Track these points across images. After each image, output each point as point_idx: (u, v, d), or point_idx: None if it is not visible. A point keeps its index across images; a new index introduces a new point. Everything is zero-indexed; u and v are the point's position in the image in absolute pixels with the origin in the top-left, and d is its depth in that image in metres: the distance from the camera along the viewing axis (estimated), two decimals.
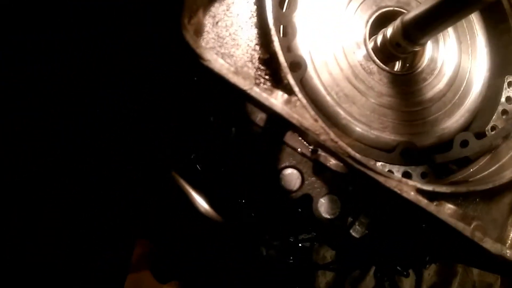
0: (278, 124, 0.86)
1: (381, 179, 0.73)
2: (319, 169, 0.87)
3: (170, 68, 0.86)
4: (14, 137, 1.28)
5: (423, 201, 0.73)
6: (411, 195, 0.73)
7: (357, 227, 0.88)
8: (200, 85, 0.82)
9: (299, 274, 1.24)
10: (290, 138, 0.88)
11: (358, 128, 0.88)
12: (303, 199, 0.87)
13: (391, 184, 0.73)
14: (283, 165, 0.87)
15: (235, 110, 0.86)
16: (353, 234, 0.88)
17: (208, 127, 0.90)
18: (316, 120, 0.72)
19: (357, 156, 0.73)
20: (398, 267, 0.97)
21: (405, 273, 0.97)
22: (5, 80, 1.25)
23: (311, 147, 0.89)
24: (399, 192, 0.73)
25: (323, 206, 0.87)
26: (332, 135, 0.72)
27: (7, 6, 1.20)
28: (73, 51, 1.24)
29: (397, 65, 1.05)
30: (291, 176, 0.87)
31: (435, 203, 0.75)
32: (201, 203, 0.83)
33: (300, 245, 1.12)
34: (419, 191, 0.74)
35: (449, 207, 0.75)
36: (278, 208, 0.93)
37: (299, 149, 0.88)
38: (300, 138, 0.89)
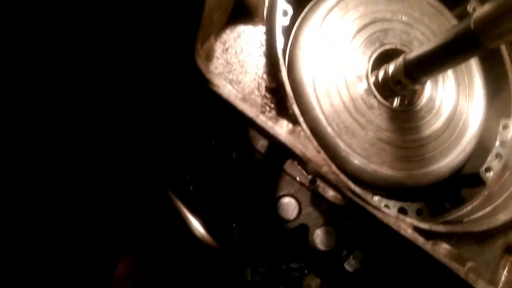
0: (279, 152, 0.86)
1: (379, 214, 0.73)
2: (317, 200, 0.87)
3: (172, 77, 0.85)
4: (14, 137, 1.26)
5: (419, 240, 0.73)
6: (408, 232, 0.74)
7: (352, 261, 0.88)
8: (205, 109, 0.83)
9: None
10: (290, 166, 0.89)
11: (357, 161, 0.89)
12: (299, 228, 0.87)
13: (388, 220, 0.74)
14: (281, 193, 0.87)
15: (237, 135, 0.87)
16: (347, 267, 0.88)
17: (209, 150, 0.90)
18: (318, 152, 0.73)
19: (357, 190, 0.73)
20: None
21: None
22: (5, 80, 1.24)
23: (309, 176, 0.89)
24: (396, 229, 0.73)
25: (319, 238, 0.87)
26: (334, 168, 0.73)
27: (7, 6, 1.20)
28: (73, 51, 1.23)
29: (396, 101, 1.07)
30: (289, 205, 0.86)
31: (431, 242, 0.75)
32: (197, 226, 0.82)
33: (291, 274, 1.11)
34: (416, 229, 0.74)
35: (445, 247, 0.75)
36: (273, 235, 0.92)
37: (297, 178, 0.88)
38: (299, 167, 0.90)
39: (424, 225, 0.75)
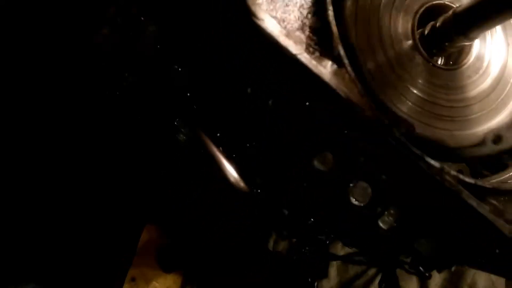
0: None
1: (423, 164, 0.70)
2: (355, 153, 0.85)
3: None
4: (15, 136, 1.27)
5: (464, 192, 0.70)
6: (453, 184, 0.70)
7: (386, 218, 0.85)
8: (243, 50, 0.80)
9: (312, 267, 1.20)
10: None
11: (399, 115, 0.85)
12: (334, 178, 0.85)
13: (432, 170, 0.70)
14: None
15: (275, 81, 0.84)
16: (381, 224, 0.86)
17: (244, 98, 0.88)
18: (362, 96, 0.70)
19: (401, 137, 0.70)
20: (420, 268, 0.94)
21: (427, 274, 0.94)
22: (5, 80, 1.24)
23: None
24: (440, 180, 0.70)
25: (353, 192, 0.85)
26: (377, 113, 0.70)
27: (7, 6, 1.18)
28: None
29: (440, 60, 1.03)
30: (325, 156, 0.84)
31: (476, 197, 0.72)
32: (231, 171, 0.80)
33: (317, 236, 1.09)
34: (461, 182, 0.71)
35: (490, 202, 0.72)
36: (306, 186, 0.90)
37: None
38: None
39: (470, 180, 0.72)
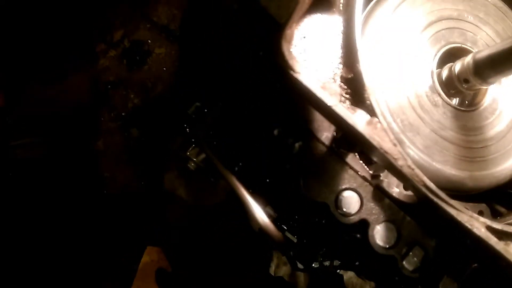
0: (344, 144, 0.86)
1: (453, 212, 0.72)
2: (379, 195, 0.86)
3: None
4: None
5: (493, 239, 0.72)
6: (482, 231, 0.72)
7: (411, 258, 0.86)
8: (275, 98, 0.82)
9: None
10: (352, 160, 0.88)
11: (421, 160, 0.88)
12: (359, 224, 0.86)
13: (462, 218, 0.72)
14: (343, 186, 0.86)
15: (301, 126, 0.86)
16: (406, 265, 0.87)
17: (270, 140, 0.89)
18: (395, 145, 0.72)
19: (433, 186, 0.72)
20: None
21: None
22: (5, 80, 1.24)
23: (371, 171, 0.89)
24: (470, 227, 0.72)
25: (379, 234, 0.86)
26: (410, 162, 0.72)
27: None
28: None
29: (454, 101, 1.05)
30: (351, 199, 0.86)
31: (503, 242, 0.73)
32: (261, 215, 0.81)
33: (337, 271, 1.09)
34: (489, 228, 0.73)
35: None
36: (331, 230, 0.92)
37: (360, 172, 0.88)
38: (361, 161, 0.89)
39: (497, 225, 0.73)
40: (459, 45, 0.97)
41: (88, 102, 1.26)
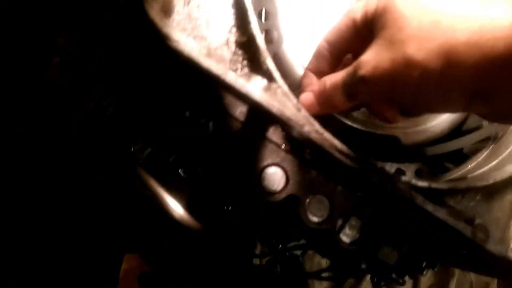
0: (260, 117, 0.79)
1: (372, 175, 0.66)
2: (306, 167, 0.80)
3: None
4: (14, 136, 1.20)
5: (418, 198, 0.66)
6: (406, 192, 0.66)
7: (348, 230, 0.80)
8: (171, 74, 0.75)
9: (289, 284, 1.15)
10: (274, 133, 0.81)
11: (343, 119, 0.81)
12: (289, 201, 0.80)
13: (383, 179, 0.66)
14: (265, 163, 0.80)
15: (212, 103, 0.79)
16: (343, 238, 0.81)
17: (183, 122, 0.82)
18: (299, 110, 0.65)
19: (345, 149, 0.65)
20: (393, 275, 0.89)
21: (400, 280, 0.90)
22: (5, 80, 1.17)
23: (295, 143, 0.82)
24: (391, 188, 0.66)
25: (310, 208, 0.80)
26: (317, 126, 0.65)
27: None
28: None
29: None
30: (275, 175, 0.79)
31: (431, 201, 0.67)
32: (175, 207, 0.74)
33: (287, 253, 1.03)
34: (414, 188, 0.67)
35: (448, 205, 0.68)
36: (261, 212, 0.85)
37: (283, 146, 0.81)
38: (284, 133, 0.82)
39: (423, 183, 0.67)
40: None
41: None
